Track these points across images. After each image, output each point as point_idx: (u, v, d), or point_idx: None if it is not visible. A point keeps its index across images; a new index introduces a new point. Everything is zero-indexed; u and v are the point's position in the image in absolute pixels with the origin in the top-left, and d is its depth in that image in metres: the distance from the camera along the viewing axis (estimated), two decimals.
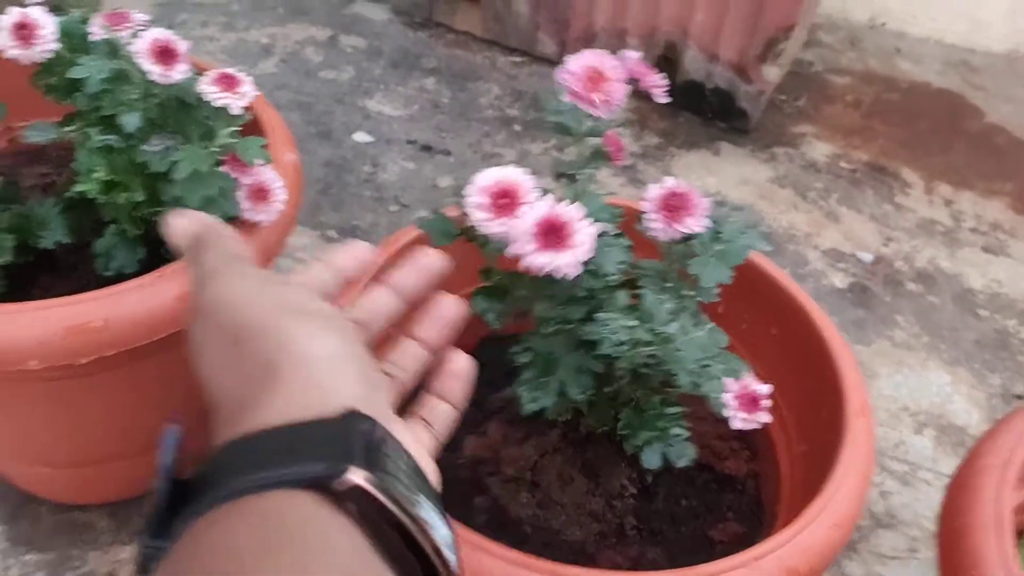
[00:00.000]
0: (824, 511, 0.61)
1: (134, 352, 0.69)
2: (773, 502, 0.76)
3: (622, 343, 0.57)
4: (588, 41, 1.64)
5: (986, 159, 1.65)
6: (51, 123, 0.76)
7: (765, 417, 0.58)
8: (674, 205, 0.60)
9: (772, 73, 1.53)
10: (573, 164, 0.67)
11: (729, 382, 0.58)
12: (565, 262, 0.53)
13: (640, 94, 1.63)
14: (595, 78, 0.61)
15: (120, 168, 0.67)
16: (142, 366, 0.74)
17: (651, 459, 0.66)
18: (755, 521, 0.76)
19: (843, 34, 1.95)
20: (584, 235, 0.53)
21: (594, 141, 0.65)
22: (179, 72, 0.64)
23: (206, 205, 0.67)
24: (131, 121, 0.64)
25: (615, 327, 0.57)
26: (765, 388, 0.58)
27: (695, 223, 0.60)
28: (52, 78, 0.68)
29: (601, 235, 0.59)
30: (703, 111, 1.62)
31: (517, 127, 1.56)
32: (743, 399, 0.57)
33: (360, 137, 1.49)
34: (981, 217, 1.52)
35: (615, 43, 1.62)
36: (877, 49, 1.92)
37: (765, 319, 0.80)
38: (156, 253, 0.77)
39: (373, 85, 1.61)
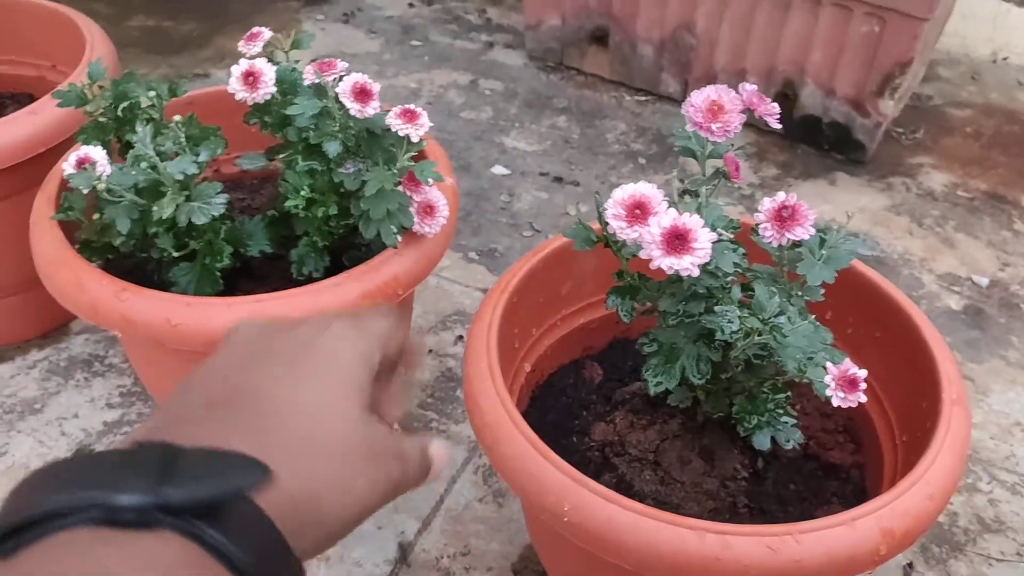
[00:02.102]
0: (919, 482, 0.69)
1: None
2: (877, 489, 0.84)
3: (736, 331, 0.68)
4: (709, 80, 1.75)
5: None
6: (259, 153, 0.92)
7: (862, 398, 0.67)
8: (784, 216, 0.71)
9: (889, 107, 1.60)
10: (696, 181, 0.78)
11: (830, 366, 0.67)
12: (687, 264, 0.64)
13: (760, 129, 1.76)
14: (715, 110, 0.73)
15: (320, 187, 0.82)
16: None
17: (762, 441, 0.76)
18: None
19: (963, 68, 1.99)
20: (703, 241, 0.64)
21: (715, 161, 0.76)
22: (372, 108, 0.79)
23: (387, 216, 0.82)
24: (332, 148, 0.79)
25: (731, 317, 0.67)
26: (863, 372, 0.68)
27: (803, 231, 0.70)
28: (267, 116, 0.85)
29: (719, 240, 0.71)
30: (820, 143, 1.70)
31: (642, 160, 1.68)
32: (843, 381, 0.67)
33: (497, 170, 1.63)
34: None
35: (734, 82, 1.72)
36: (998, 83, 1.95)
37: (869, 324, 0.89)
38: (338, 261, 0.93)
39: (509, 124, 1.76)
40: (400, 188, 0.83)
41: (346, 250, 0.93)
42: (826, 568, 0.65)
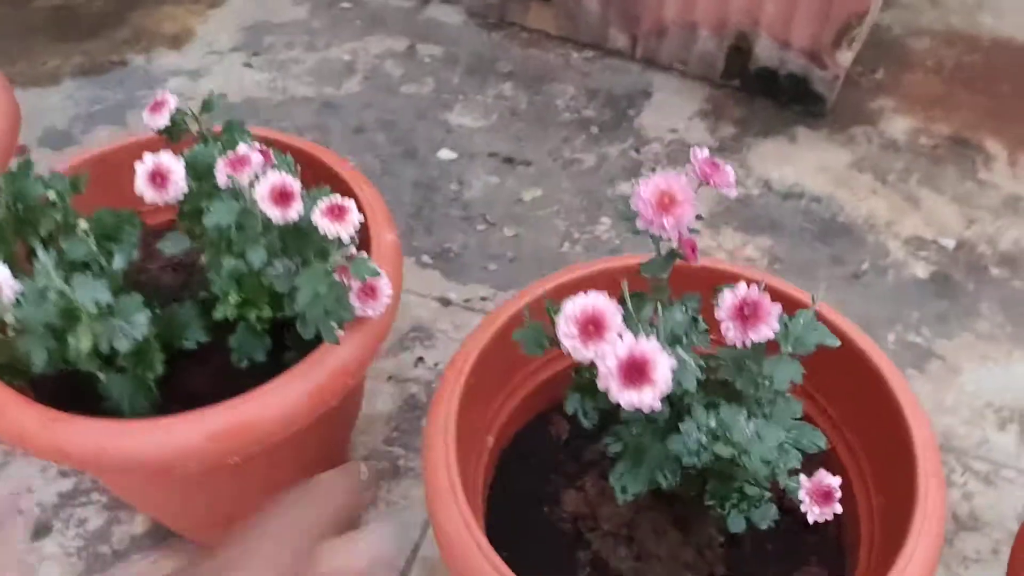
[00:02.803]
0: None
1: (273, 444, 0.80)
2: (855, 545, 0.82)
3: (700, 458, 0.64)
4: (659, 35, 1.66)
5: None
6: (183, 236, 0.85)
7: (838, 508, 0.64)
8: (747, 314, 0.66)
9: (847, 58, 1.53)
10: (652, 264, 0.73)
11: (803, 479, 0.64)
12: (648, 399, 0.59)
13: (715, 83, 1.67)
14: (665, 203, 0.67)
15: (250, 290, 0.76)
16: (278, 451, 0.84)
17: (736, 524, 0.73)
18: (838, 564, 0.82)
19: None
20: (663, 371, 0.60)
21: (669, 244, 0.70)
22: (295, 211, 0.72)
23: (325, 315, 0.76)
24: (257, 258, 0.73)
25: (692, 444, 0.63)
26: (836, 480, 0.64)
27: (767, 329, 0.66)
28: (184, 216, 0.77)
29: (680, 344, 0.66)
30: (778, 96, 1.63)
31: (595, 129, 1.61)
32: (817, 494, 0.64)
33: (444, 154, 1.55)
34: None
35: (686, 35, 1.64)
36: (959, 5, 1.88)
37: (839, 368, 0.85)
38: (280, 341, 0.87)
39: (452, 96, 1.66)
40: (336, 277, 0.77)
41: (287, 324, 0.87)
42: None
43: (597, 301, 0.64)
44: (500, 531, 0.79)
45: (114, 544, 1.07)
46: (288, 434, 0.80)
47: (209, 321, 0.86)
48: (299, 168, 0.82)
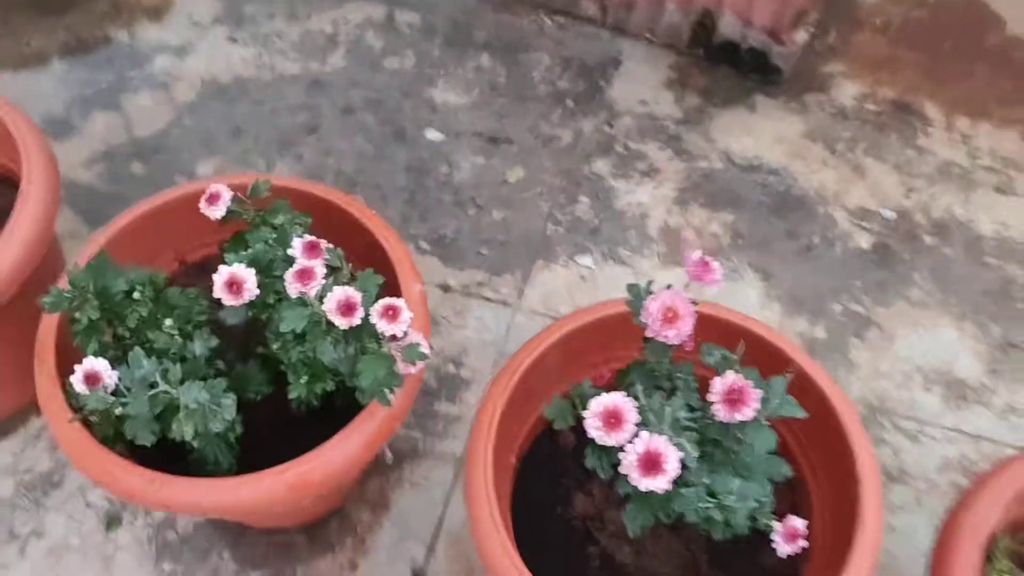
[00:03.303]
0: None
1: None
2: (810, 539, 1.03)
3: (700, 512, 0.82)
4: (628, 7, 1.75)
5: (1005, 81, 1.78)
6: (242, 307, 0.99)
7: (804, 544, 0.83)
8: (734, 399, 0.83)
9: (803, 37, 1.65)
10: (656, 351, 0.88)
11: (776, 525, 0.83)
12: (662, 484, 0.77)
13: (679, 50, 1.79)
14: (670, 317, 0.82)
15: (318, 373, 0.91)
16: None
17: (720, 535, 0.93)
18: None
19: None
20: (672, 463, 0.77)
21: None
22: (358, 319, 0.86)
23: (380, 388, 0.92)
24: (326, 352, 0.87)
25: (696, 505, 0.81)
26: (802, 523, 0.83)
27: (749, 411, 0.83)
28: (253, 306, 0.91)
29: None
30: (739, 66, 1.75)
31: (570, 103, 1.72)
32: (787, 534, 0.83)
33: (432, 135, 1.66)
34: (995, 152, 1.68)
35: (653, 8, 1.73)
36: None
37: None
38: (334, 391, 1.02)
39: (434, 71, 1.75)
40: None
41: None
42: None
43: (616, 399, 0.80)
44: (522, 531, 0.98)
45: (180, 531, 1.24)
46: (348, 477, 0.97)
47: (269, 374, 1.01)
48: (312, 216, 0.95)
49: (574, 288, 1.48)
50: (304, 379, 0.90)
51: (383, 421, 0.97)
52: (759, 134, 1.69)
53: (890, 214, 1.59)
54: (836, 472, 1.00)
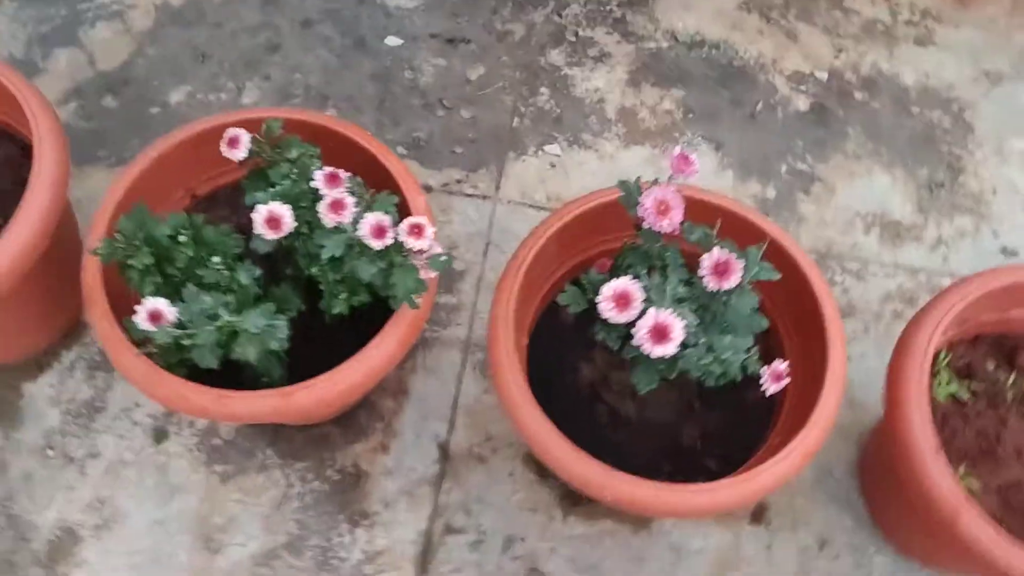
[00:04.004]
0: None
1: None
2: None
3: (700, 368, 0.98)
4: None
5: None
6: (271, 240, 1.09)
7: (786, 381, 1.00)
8: (721, 271, 0.98)
9: None
10: (650, 237, 1.02)
11: (764, 369, 1.00)
12: (671, 350, 0.92)
13: None
14: (663, 209, 0.96)
15: (354, 289, 1.03)
16: None
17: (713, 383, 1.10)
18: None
19: None
20: (678, 331, 0.92)
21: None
22: (390, 239, 0.98)
23: (410, 294, 1.05)
24: (365, 272, 0.99)
25: (698, 363, 0.97)
26: (784, 366, 1.00)
27: (735, 279, 0.98)
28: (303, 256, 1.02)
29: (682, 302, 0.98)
30: None
31: None
32: (773, 375, 1.00)
33: (391, 41, 1.73)
34: (915, 6, 1.82)
35: None
36: None
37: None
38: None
39: None
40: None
41: None
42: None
43: (625, 283, 0.95)
44: (539, 399, 1.14)
45: (223, 435, 1.37)
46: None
47: (303, 294, 1.13)
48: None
49: (546, 176, 1.61)
50: (343, 296, 1.03)
51: (412, 322, 1.10)
52: (699, 10, 1.79)
53: (823, 75, 1.73)
54: (803, 320, 1.17)
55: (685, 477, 1.15)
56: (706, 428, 1.19)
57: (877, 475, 1.29)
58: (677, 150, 1.00)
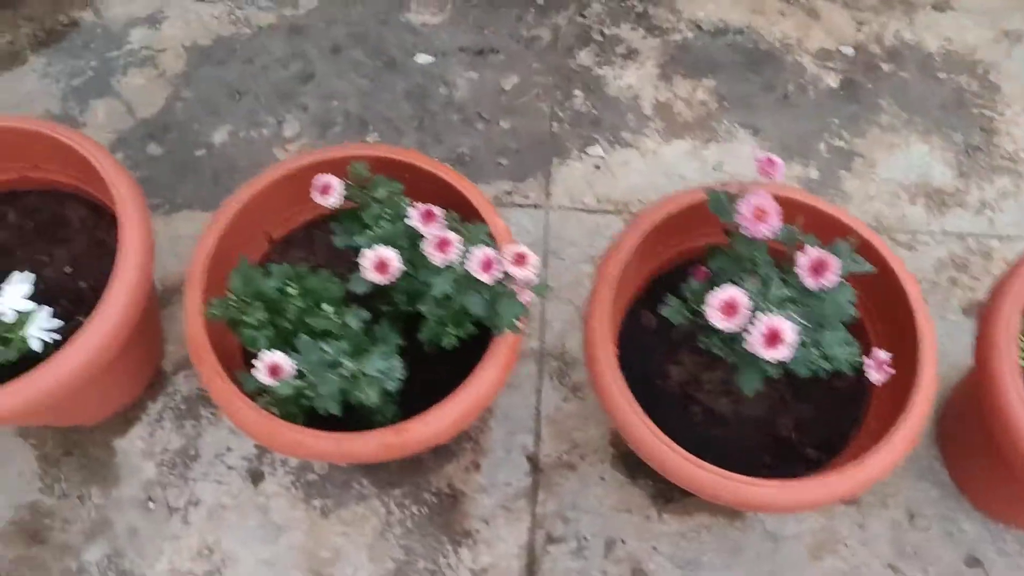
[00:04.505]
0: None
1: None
2: None
3: (809, 364, 1.02)
4: None
5: None
6: (367, 282, 1.11)
7: (891, 370, 1.04)
8: (818, 268, 1.01)
9: None
10: (747, 246, 1.04)
11: (867, 360, 1.03)
12: (784, 354, 0.96)
13: None
14: (759, 215, 0.99)
15: (461, 321, 1.06)
16: None
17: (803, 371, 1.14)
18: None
19: None
20: (791, 335, 0.96)
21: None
22: (499, 273, 1.00)
23: (513, 320, 1.07)
24: (477, 306, 1.02)
25: (803, 361, 1.01)
26: (886, 355, 1.04)
27: (833, 277, 1.01)
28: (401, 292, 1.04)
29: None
30: None
31: (539, 0, 1.81)
32: (878, 365, 1.03)
33: (422, 59, 1.74)
34: None
35: None
36: None
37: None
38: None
39: None
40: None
41: None
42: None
43: (732, 292, 0.98)
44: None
45: (317, 470, 1.40)
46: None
47: (400, 331, 1.15)
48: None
49: (592, 178, 1.63)
50: (452, 330, 1.05)
51: (513, 345, 1.13)
52: (720, 1, 1.82)
53: (848, 50, 1.76)
54: (885, 304, 1.20)
55: (787, 468, 1.19)
56: (800, 418, 1.23)
57: (962, 442, 1.33)
58: (762, 155, 1.03)
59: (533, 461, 1.40)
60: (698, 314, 1.05)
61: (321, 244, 1.32)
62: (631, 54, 1.75)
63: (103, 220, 1.33)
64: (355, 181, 1.11)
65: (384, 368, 1.00)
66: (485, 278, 1.00)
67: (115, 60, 1.74)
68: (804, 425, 1.22)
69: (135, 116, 1.68)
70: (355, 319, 1.05)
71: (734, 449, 1.21)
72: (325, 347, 1.00)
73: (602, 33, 1.78)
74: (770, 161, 1.04)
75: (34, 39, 1.76)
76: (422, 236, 1.04)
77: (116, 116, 1.68)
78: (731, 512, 1.36)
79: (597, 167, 1.64)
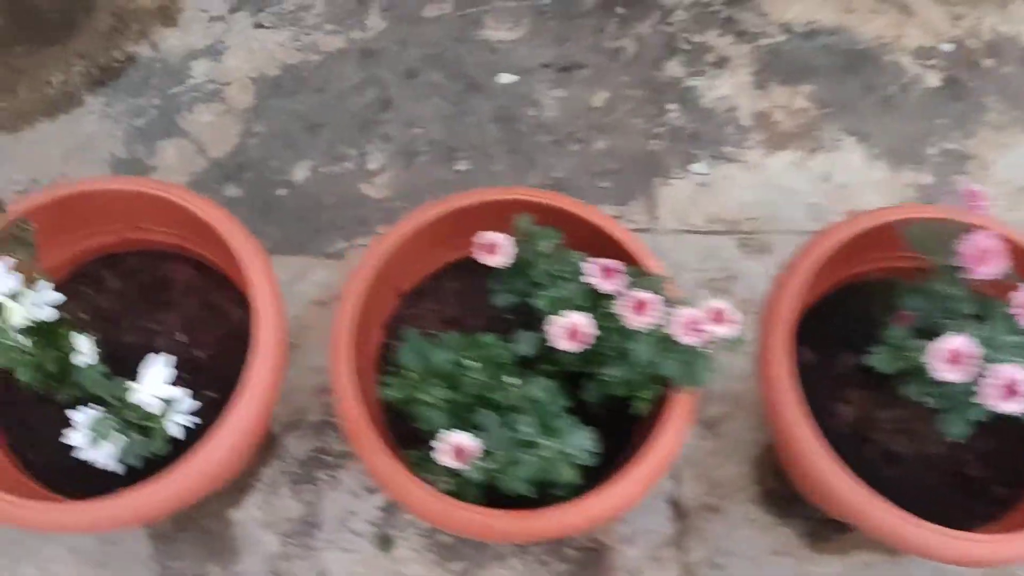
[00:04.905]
0: None
1: None
2: None
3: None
4: None
5: None
6: (538, 338, 1.03)
7: None
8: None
9: None
10: (956, 286, 0.97)
11: None
12: (1019, 407, 0.88)
13: None
14: (982, 257, 0.91)
15: (656, 382, 0.98)
16: None
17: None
18: None
19: None
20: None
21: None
22: (708, 335, 0.92)
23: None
24: (673, 368, 0.94)
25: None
26: None
27: None
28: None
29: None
30: None
31: (619, 9, 1.72)
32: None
33: (504, 79, 1.65)
34: None
35: None
36: None
37: None
38: None
39: (477, 10, 1.71)
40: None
41: None
42: None
43: (958, 341, 0.91)
44: None
45: (449, 532, 1.32)
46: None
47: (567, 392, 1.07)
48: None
49: (697, 197, 1.55)
50: (643, 393, 0.97)
51: (694, 396, 1.05)
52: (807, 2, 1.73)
53: (948, 47, 1.69)
54: None
55: (976, 506, 1.13)
56: (984, 452, 1.16)
57: None
58: (965, 186, 0.96)
59: (675, 505, 1.33)
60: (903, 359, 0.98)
61: (449, 294, 1.23)
62: (722, 62, 1.67)
63: (210, 279, 1.24)
64: (518, 234, 1.02)
65: (580, 443, 0.92)
66: (691, 341, 0.92)
67: (179, 96, 1.63)
68: (990, 460, 1.16)
69: (207, 156, 1.57)
70: (540, 390, 0.96)
71: (910, 488, 1.14)
72: (520, 425, 0.92)
73: (689, 41, 1.69)
74: (974, 193, 0.96)
75: (89, 78, 1.64)
76: (601, 294, 0.96)
77: (187, 157, 1.57)
78: (892, 548, 1.29)
79: (701, 185, 1.56)
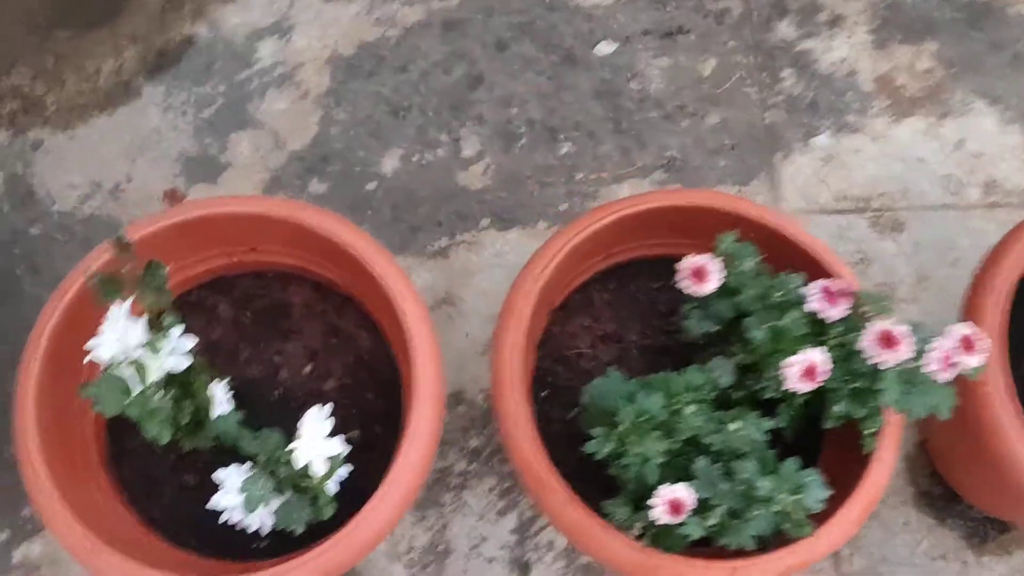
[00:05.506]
0: None
1: None
2: None
3: None
4: None
5: None
6: (735, 367, 0.92)
7: None
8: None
9: None
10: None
11: None
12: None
13: None
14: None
15: (874, 415, 0.87)
16: None
17: None
18: None
19: None
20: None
21: None
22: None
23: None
24: (892, 393, 0.83)
25: None
26: None
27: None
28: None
29: None
30: None
31: None
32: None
33: (603, 49, 1.51)
34: None
35: None
36: None
37: None
38: None
39: None
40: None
41: None
42: None
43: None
44: None
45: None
46: None
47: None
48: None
49: (823, 173, 1.43)
50: (868, 426, 0.87)
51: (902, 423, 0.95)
52: None
53: None
54: None
55: None
56: None
57: None
58: None
59: None
60: None
61: (601, 307, 1.11)
62: (836, 21, 1.54)
63: (329, 301, 1.11)
64: (717, 253, 0.90)
65: (819, 495, 0.82)
66: (943, 377, 0.81)
67: (247, 82, 1.47)
68: None
69: (286, 148, 1.43)
70: (758, 430, 0.85)
71: None
72: (745, 474, 0.81)
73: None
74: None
75: (144, 64, 1.48)
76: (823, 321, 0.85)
77: (264, 150, 1.43)
78: None
79: (826, 159, 1.44)
